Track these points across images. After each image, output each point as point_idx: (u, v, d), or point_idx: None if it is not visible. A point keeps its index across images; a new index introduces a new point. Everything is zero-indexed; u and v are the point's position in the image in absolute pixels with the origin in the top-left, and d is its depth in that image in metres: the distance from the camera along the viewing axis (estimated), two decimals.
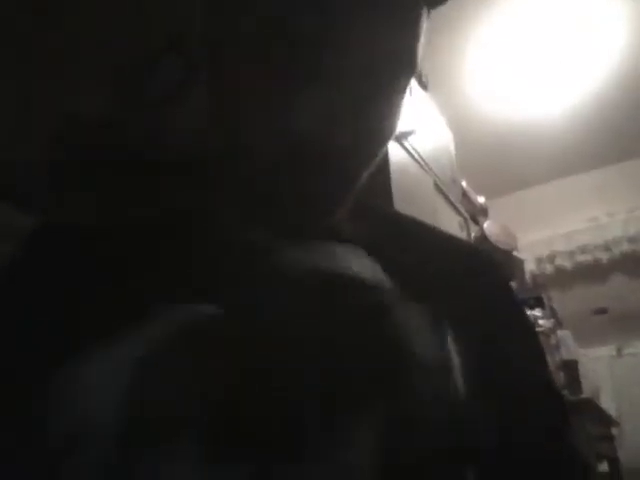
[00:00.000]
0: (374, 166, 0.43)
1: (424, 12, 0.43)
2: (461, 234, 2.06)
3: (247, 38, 0.38)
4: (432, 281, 0.43)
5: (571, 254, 3.64)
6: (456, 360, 0.33)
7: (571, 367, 2.29)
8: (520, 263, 2.72)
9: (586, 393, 2.26)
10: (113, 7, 0.47)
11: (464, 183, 2.46)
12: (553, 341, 2.41)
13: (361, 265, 0.35)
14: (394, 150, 1.56)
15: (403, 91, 0.45)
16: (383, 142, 0.44)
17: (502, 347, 0.44)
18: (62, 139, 0.45)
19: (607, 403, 2.87)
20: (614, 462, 2.53)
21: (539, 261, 3.65)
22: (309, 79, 0.37)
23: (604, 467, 2.49)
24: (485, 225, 2.56)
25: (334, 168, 0.39)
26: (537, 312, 2.51)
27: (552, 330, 2.47)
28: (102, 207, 0.44)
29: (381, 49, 0.39)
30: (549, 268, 3.67)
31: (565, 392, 2.14)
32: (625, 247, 3.52)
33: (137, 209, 0.42)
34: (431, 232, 0.53)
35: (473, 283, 0.46)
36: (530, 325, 0.50)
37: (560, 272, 3.64)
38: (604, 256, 3.57)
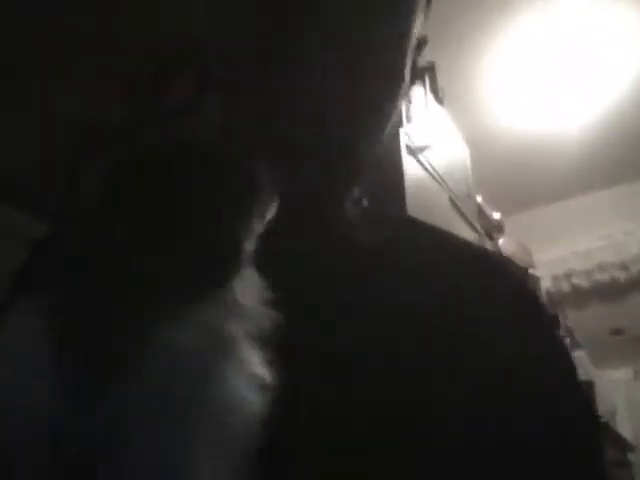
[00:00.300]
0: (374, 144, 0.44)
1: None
2: None
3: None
4: (442, 284, 0.42)
5: (588, 272, 3.58)
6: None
7: (587, 389, 2.25)
8: (536, 281, 2.69)
9: (602, 416, 2.21)
10: (129, 20, 0.47)
11: (480, 198, 2.43)
12: None
13: None
14: (409, 164, 1.55)
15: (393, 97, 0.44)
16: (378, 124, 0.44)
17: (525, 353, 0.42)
18: (79, 148, 0.44)
19: (623, 427, 2.81)
20: None
21: (555, 279, 3.60)
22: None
23: None
24: (500, 242, 2.53)
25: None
26: None
27: None
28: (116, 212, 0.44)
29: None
30: (565, 286, 3.62)
31: None
32: None
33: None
34: (444, 236, 0.52)
35: (487, 286, 0.45)
36: (555, 333, 0.48)
37: (577, 290, 3.58)
38: (621, 275, 3.51)
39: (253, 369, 0.28)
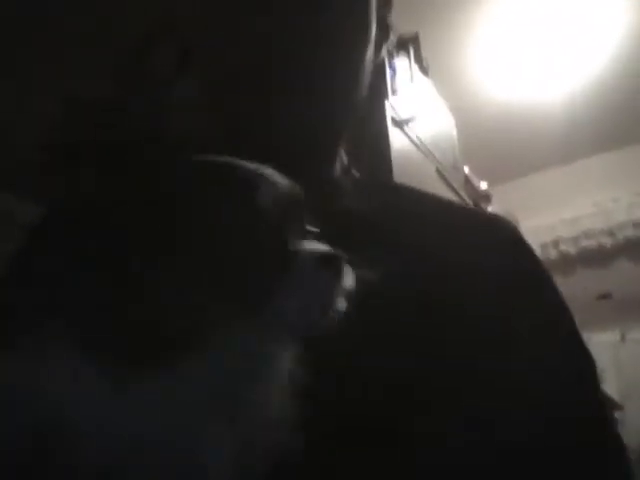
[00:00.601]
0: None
1: None
2: None
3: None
4: (433, 245, 0.43)
5: (575, 239, 3.62)
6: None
7: None
8: None
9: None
10: None
11: (466, 169, 2.44)
12: None
13: None
14: (395, 136, 1.55)
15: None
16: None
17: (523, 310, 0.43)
18: (63, 122, 0.44)
19: (610, 388, 2.87)
20: None
21: (543, 247, 3.64)
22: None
23: None
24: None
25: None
26: None
27: None
28: (102, 188, 0.44)
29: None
30: (553, 254, 3.65)
31: None
32: (630, 232, 3.50)
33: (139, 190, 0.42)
34: (431, 199, 0.53)
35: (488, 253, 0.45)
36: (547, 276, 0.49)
37: (564, 258, 3.62)
38: (608, 241, 3.55)
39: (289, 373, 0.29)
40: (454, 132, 2.21)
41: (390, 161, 1.42)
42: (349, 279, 0.31)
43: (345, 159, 0.50)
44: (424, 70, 2.00)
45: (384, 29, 0.48)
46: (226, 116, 0.42)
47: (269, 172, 0.32)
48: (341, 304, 0.30)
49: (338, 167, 0.49)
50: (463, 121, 2.33)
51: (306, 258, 0.30)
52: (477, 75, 2.92)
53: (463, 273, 0.42)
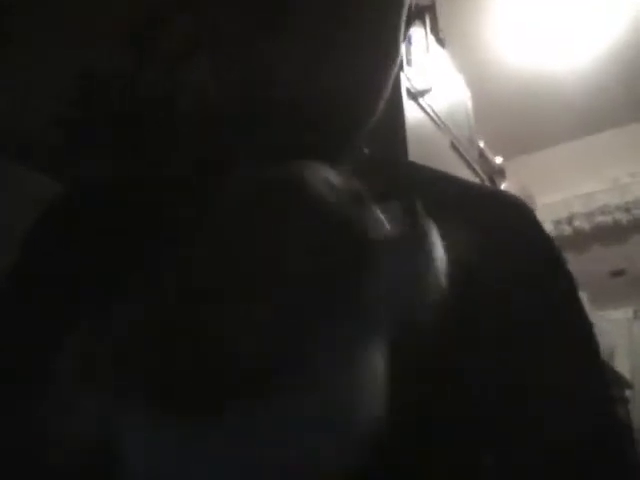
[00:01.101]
0: (373, 113, 0.43)
1: None
2: None
3: None
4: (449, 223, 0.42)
5: (590, 215, 3.58)
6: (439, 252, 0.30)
7: None
8: None
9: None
10: None
11: (481, 143, 2.41)
12: None
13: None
14: (410, 108, 1.53)
15: (393, 35, 0.43)
16: (376, 88, 0.42)
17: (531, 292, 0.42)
18: (78, 95, 0.44)
19: (622, 366, 2.87)
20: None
21: (557, 223, 3.60)
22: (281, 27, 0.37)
23: None
24: (502, 186, 2.52)
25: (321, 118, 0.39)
26: None
27: None
28: (118, 161, 0.44)
29: None
30: (567, 230, 3.62)
31: None
32: None
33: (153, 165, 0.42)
34: (447, 178, 0.51)
35: (502, 236, 0.44)
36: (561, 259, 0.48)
37: (578, 234, 3.59)
38: (624, 217, 3.51)
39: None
40: (469, 105, 2.18)
41: (404, 133, 1.40)
42: (439, 252, 0.30)
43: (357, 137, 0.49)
44: (440, 41, 1.96)
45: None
46: (243, 88, 0.41)
47: (318, 171, 0.30)
48: (436, 280, 0.29)
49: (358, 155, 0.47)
50: (478, 94, 2.29)
51: (386, 241, 0.28)
52: (493, 47, 2.86)
53: (480, 257, 0.41)
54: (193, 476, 0.25)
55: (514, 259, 0.43)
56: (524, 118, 3.32)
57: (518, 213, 0.50)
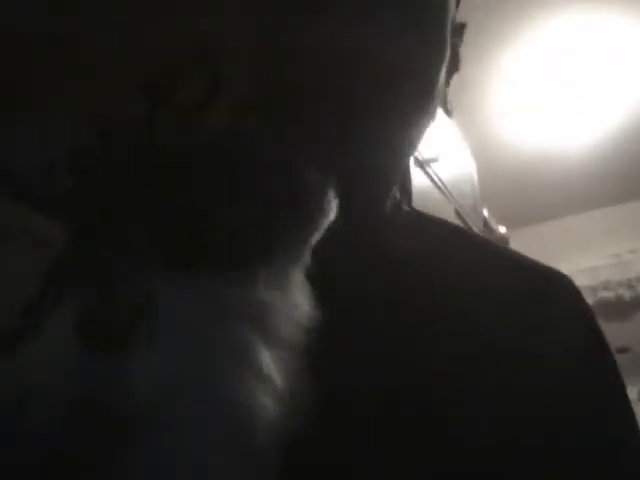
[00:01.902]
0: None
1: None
2: None
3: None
4: (482, 303, 0.40)
5: (593, 290, 3.56)
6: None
7: None
8: None
9: None
10: (145, 13, 0.47)
11: (485, 212, 2.43)
12: None
13: None
14: (416, 176, 1.55)
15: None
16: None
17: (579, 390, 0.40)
18: (91, 147, 0.44)
19: None
20: None
21: None
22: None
23: None
24: None
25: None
26: None
27: None
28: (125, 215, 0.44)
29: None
30: None
31: None
32: None
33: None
34: (488, 246, 0.50)
35: (541, 311, 0.42)
36: (617, 374, 0.45)
37: None
38: (627, 293, 3.49)
39: (266, 372, 0.27)
40: (475, 175, 2.21)
41: (410, 200, 1.42)
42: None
43: (397, 192, 0.47)
44: (448, 112, 2.02)
45: (455, 58, 0.45)
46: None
47: None
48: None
49: (390, 202, 0.46)
50: (484, 165, 2.33)
51: None
52: (500, 120, 2.93)
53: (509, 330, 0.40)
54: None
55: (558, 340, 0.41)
56: (528, 190, 3.36)
57: (565, 293, 0.48)
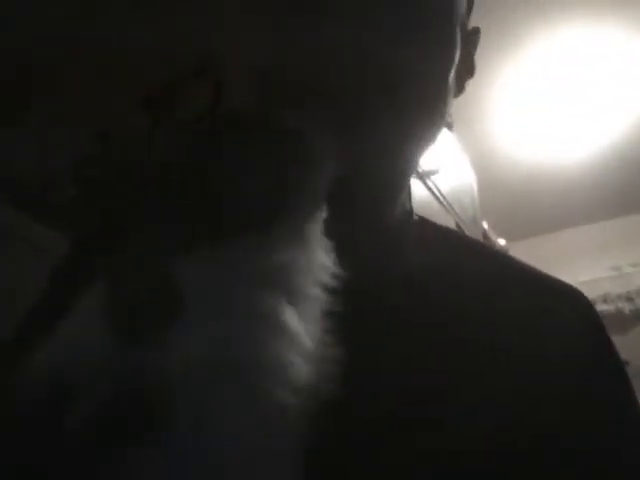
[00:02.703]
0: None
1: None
2: None
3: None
4: (497, 317, 0.40)
5: (592, 303, 3.55)
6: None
7: None
8: None
9: None
10: (146, 29, 0.47)
11: (485, 224, 2.43)
12: None
13: None
14: (417, 188, 1.55)
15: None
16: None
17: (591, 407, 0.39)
18: (92, 156, 0.44)
19: None
20: None
21: None
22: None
23: None
24: None
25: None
26: None
27: None
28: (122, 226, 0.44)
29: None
30: None
31: None
32: None
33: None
34: (509, 262, 0.49)
35: (553, 322, 0.42)
36: (630, 389, 0.43)
37: None
38: (627, 306, 3.48)
39: (295, 335, 0.27)
40: (475, 187, 2.22)
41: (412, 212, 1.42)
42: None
43: (408, 202, 0.47)
44: (448, 124, 2.02)
45: (470, 64, 0.45)
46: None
47: None
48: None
49: (399, 212, 0.46)
50: (484, 177, 2.34)
51: None
52: (500, 134, 2.94)
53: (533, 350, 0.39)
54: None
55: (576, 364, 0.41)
56: (528, 203, 3.37)
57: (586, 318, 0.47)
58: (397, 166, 0.41)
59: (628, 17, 2.28)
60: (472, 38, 0.46)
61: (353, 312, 0.29)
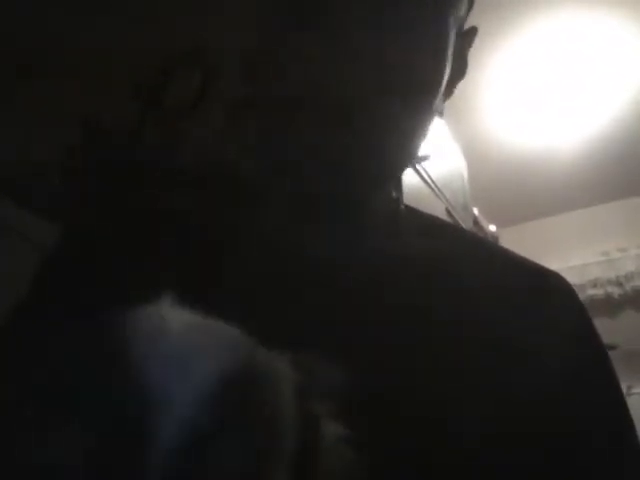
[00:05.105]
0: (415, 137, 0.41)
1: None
2: None
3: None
4: (491, 301, 0.40)
5: (581, 287, 3.58)
6: None
7: None
8: None
9: None
10: (133, 17, 0.47)
11: (476, 211, 2.44)
12: None
13: None
14: (407, 174, 1.55)
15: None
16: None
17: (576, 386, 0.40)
18: (80, 145, 0.44)
19: None
20: None
21: None
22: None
23: None
24: None
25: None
26: None
27: None
28: (112, 216, 0.44)
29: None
30: None
31: None
32: (637, 283, 3.46)
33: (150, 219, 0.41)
34: (492, 249, 0.50)
35: (538, 307, 0.43)
36: (611, 370, 0.45)
37: None
38: (616, 291, 3.52)
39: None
40: (465, 174, 2.22)
41: (402, 198, 1.42)
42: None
43: (397, 191, 0.48)
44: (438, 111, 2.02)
45: (462, 64, 0.46)
46: (269, 150, 0.40)
47: None
48: None
49: (389, 200, 0.46)
50: (474, 163, 2.34)
51: None
52: (490, 120, 2.94)
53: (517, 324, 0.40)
54: None
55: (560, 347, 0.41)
56: (518, 189, 3.38)
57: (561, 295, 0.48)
58: (387, 158, 0.41)
59: (617, 4, 2.28)
60: (468, 36, 0.47)
61: (339, 303, 0.29)
